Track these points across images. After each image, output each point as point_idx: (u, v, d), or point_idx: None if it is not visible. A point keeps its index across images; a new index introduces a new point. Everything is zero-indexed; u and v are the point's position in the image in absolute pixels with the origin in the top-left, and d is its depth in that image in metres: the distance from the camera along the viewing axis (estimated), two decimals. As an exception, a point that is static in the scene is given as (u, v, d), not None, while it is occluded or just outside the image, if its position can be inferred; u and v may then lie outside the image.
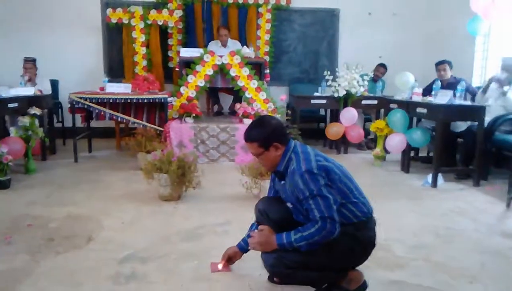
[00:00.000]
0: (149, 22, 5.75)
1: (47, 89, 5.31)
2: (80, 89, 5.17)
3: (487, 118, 4.10)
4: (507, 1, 5.07)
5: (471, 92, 4.61)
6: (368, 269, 2.15)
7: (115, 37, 6.14)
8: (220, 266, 2.17)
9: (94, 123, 5.42)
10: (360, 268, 2.04)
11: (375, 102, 5.55)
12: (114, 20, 5.75)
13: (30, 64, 5.24)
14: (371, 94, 5.71)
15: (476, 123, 4.01)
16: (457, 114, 4.01)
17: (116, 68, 6.19)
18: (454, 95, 4.07)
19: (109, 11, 5.73)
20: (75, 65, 6.15)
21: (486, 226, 2.96)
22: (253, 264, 2.17)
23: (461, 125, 4.41)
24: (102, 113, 4.95)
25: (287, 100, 6.06)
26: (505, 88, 4.23)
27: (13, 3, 5.99)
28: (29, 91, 4.73)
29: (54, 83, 5.71)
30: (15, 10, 6.02)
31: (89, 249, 2.44)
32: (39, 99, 4.71)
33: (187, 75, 5.14)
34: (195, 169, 3.37)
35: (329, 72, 5.47)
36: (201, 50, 5.21)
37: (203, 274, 2.15)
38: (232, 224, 2.87)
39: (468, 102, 4.18)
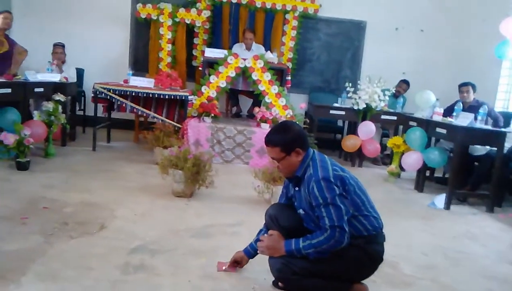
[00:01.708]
0: (177, 20, 5.86)
1: (73, 77, 5.44)
2: (104, 80, 5.28)
3: (508, 145, 4.06)
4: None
5: (493, 117, 4.55)
6: (374, 284, 2.15)
7: (142, 31, 6.26)
8: (225, 267, 2.20)
9: (114, 115, 5.51)
10: (366, 282, 2.05)
11: (395, 118, 5.51)
12: (143, 15, 5.88)
13: (60, 48, 5.39)
14: (391, 110, 5.67)
15: (495, 149, 3.96)
16: (477, 138, 3.96)
17: (140, 62, 6.30)
18: (475, 118, 4.03)
19: (139, 6, 5.86)
20: (101, 56, 6.29)
21: (496, 252, 2.92)
22: (259, 268, 2.19)
23: (479, 150, 4.35)
24: (123, 105, 5.05)
25: (306, 108, 6.09)
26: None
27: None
28: (55, 77, 4.86)
29: (80, 72, 5.85)
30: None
31: (101, 237, 2.50)
32: (64, 86, 4.83)
33: (209, 75, 5.20)
34: (209, 168, 3.41)
35: (350, 84, 5.46)
36: (225, 51, 5.27)
37: (210, 272, 2.18)
38: (242, 226, 2.89)
39: (489, 127, 4.13)
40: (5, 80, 3.83)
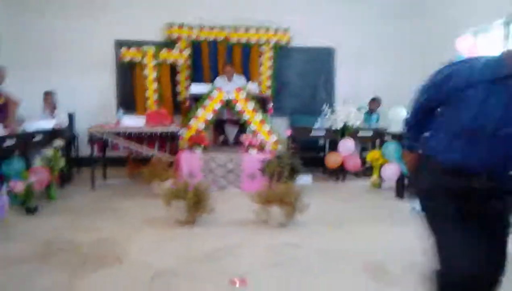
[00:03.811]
0: (160, 60, 6.22)
1: (65, 122, 5.70)
2: (94, 122, 5.58)
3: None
4: (487, 43, 5.62)
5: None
6: (365, 285, 2.48)
7: (127, 74, 6.58)
8: (237, 282, 2.50)
9: (108, 153, 5.76)
10: (356, 284, 2.37)
11: (371, 133, 5.96)
12: (127, 58, 6.22)
13: (50, 96, 5.66)
14: (367, 126, 6.12)
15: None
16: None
17: (128, 102, 6.56)
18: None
19: (123, 50, 6.20)
20: (90, 99, 6.59)
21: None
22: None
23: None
24: (116, 143, 5.32)
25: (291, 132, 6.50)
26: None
27: (33, 43, 6.46)
28: (50, 124, 5.12)
29: (71, 116, 6.10)
30: (36, 50, 6.48)
31: (121, 269, 2.76)
32: (60, 132, 5.09)
33: (196, 109, 5.55)
34: (208, 196, 3.72)
35: (327, 105, 5.90)
36: (209, 86, 5.65)
37: (226, 288, 2.47)
38: (245, 246, 3.19)
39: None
40: (9, 132, 4.07)
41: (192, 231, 3.54)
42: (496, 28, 5.58)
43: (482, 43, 5.71)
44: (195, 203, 3.62)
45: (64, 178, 5.27)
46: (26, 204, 3.96)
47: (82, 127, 6.20)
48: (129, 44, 6.41)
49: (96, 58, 6.60)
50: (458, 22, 5.95)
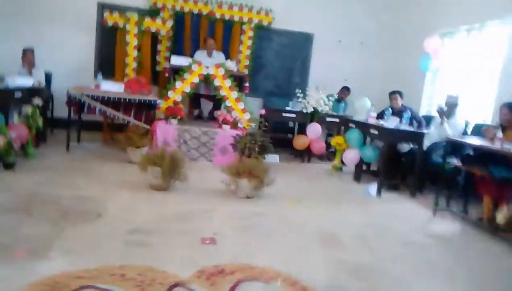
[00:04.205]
0: (142, 28, 6.30)
1: (42, 81, 5.73)
2: (71, 84, 5.65)
3: (428, 143, 4.99)
4: (453, 45, 6.07)
5: (417, 120, 5.48)
6: (317, 249, 2.87)
7: (108, 38, 6.60)
8: (208, 241, 2.83)
9: (83, 117, 5.87)
10: (310, 248, 2.75)
11: (337, 120, 6.36)
12: (110, 22, 6.26)
13: (30, 53, 5.65)
14: (335, 113, 6.51)
15: (417, 146, 4.87)
16: (402, 137, 4.87)
17: (106, 67, 6.56)
18: (401, 121, 4.92)
19: (106, 14, 6.23)
20: (68, 60, 6.59)
21: (413, 227, 3.77)
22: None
23: (405, 147, 5.26)
24: (93, 107, 5.44)
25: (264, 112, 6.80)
26: (445, 119, 5.12)
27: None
28: (28, 81, 5.17)
29: (48, 76, 6.11)
30: (15, 2, 6.38)
31: (100, 223, 3.02)
32: (39, 91, 5.16)
33: (175, 81, 5.73)
34: (183, 164, 3.99)
35: (300, 90, 6.22)
36: (189, 59, 5.83)
37: (196, 245, 2.79)
38: (214, 212, 3.51)
39: (412, 128, 5.03)
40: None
41: (166, 196, 3.82)
42: (461, 34, 6.04)
43: (447, 47, 6.16)
44: (170, 170, 3.89)
45: (39, 138, 5.36)
46: (5, 159, 4.09)
47: (58, 88, 6.25)
48: (112, 7, 6.43)
49: (78, 19, 6.59)
50: (429, 23, 6.36)
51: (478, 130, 4.81)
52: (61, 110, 6.08)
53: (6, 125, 4.28)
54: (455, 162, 4.20)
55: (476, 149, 4.03)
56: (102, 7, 6.53)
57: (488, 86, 5.39)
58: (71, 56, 6.62)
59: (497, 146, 3.73)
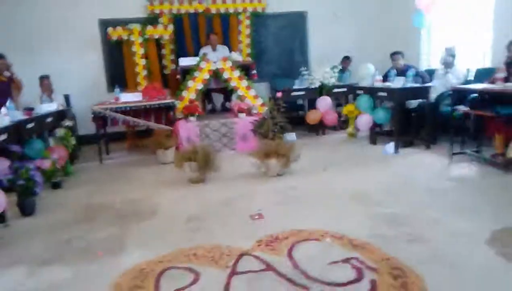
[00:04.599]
0: (146, 36, 6.58)
1: (64, 104, 6.08)
2: (87, 101, 6.05)
3: (434, 95, 5.27)
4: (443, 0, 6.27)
5: (420, 76, 5.74)
6: (353, 207, 3.21)
7: (113, 51, 6.92)
8: (257, 216, 3.18)
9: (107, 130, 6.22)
10: (346, 206, 3.10)
11: (345, 89, 6.65)
12: (114, 37, 6.55)
13: (47, 80, 6.00)
14: (341, 83, 6.79)
15: (425, 100, 5.16)
16: (409, 94, 5.16)
17: (117, 79, 6.87)
18: (407, 79, 5.20)
19: (109, 30, 6.52)
20: (81, 79, 6.92)
21: (433, 174, 4.10)
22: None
23: (413, 103, 5.54)
24: (115, 119, 5.78)
25: (269, 94, 7.11)
26: (447, 70, 5.40)
27: (18, 29, 6.67)
28: (53, 106, 5.52)
29: (66, 97, 6.46)
30: (21, 35, 6.70)
31: (158, 218, 3.39)
32: (65, 113, 5.52)
33: (186, 80, 6.03)
34: (215, 156, 4.34)
35: (304, 68, 6.50)
36: (197, 58, 6.13)
37: (247, 221, 3.15)
38: (253, 192, 3.87)
39: (417, 84, 5.31)
40: (28, 116, 4.49)
41: (205, 187, 4.18)
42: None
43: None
44: (204, 163, 4.24)
45: (72, 156, 5.72)
46: (52, 179, 4.46)
47: (76, 107, 6.61)
48: (113, 23, 6.71)
49: (82, 39, 6.89)
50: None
51: (480, 74, 5.10)
52: (83, 128, 6.47)
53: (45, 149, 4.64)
54: (463, 108, 4.49)
55: (481, 92, 4.30)
56: (103, 24, 6.82)
57: (483, 31, 5.62)
58: (83, 75, 6.95)
59: (498, 87, 4.01)
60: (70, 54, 6.88)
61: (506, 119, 4.03)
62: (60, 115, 5.41)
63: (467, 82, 5.24)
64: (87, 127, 6.20)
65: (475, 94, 4.40)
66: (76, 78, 6.88)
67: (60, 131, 5.00)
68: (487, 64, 5.49)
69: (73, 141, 5.16)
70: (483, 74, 5.02)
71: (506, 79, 4.24)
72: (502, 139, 4.25)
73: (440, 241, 2.64)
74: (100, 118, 5.77)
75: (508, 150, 4.02)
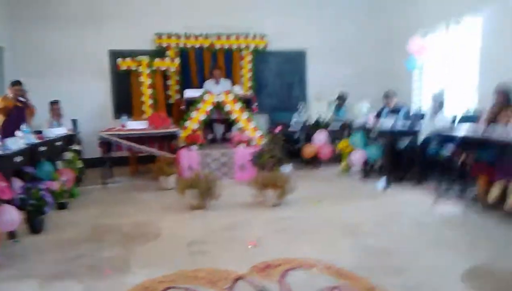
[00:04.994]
0: (153, 68, 6.97)
1: (71, 128, 6.38)
2: (93, 126, 6.37)
3: (423, 136, 5.61)
4: (435, 41, 6.72)
5: (411, 116, 6.09)
6: (344, 238, 3.47)
7: (121, 81, 7.28)
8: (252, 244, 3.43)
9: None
10: (338, 238, 3.35)
11: (340, 125, 7.00)
12: (123, 67, 6.93)
13: (57, 105, 6.33)
14: (336, 119, 7.15)
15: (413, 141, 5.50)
16: (400, 134, 5.49)
17: (123, 107, 7.20)
18: (397, 120, 5.55)
19: (119, 60, 6.91)
20: (88, 105, 7.26)
21: (422, 212, 4.37)
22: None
23: (404, 142, 5.86)
24: (120, 145, 6.05)
25: (268, 126, 7.45)
26: (435, 114, 5.75)
27: (33, 55, 7.05)
28: (63, 130, 5.81)
29: (74, 122, 6.76)
30: (36, 61, 7.08)
31: (162, 241, 3.62)
32: (73, 137, 5.80)
33: (189, 111, 6.35)
34: (216, 184, 4.60)
35: (303, 102, 6.87)
36: (201, 91, 6.48)
37: (245, 248, 3.39)
38: (251, 220, 4.12)
39: (407, 125, 5.64)
40: (40, 140, 4.77)
41: (206, 213, 4.43)
42: (440, 30, 6.68)
43: (430, 44, 6.81)
44: (206, 190, 4.50)
45: (77, 178, 5.96)
46: (59, 200, 4.69)
47: (83, 132, 6.90)
48: (122, 54, 7.11)
49: (92, 68, 7.28)
50: (410, 23, 7.02)
51: (467, 118, 5.45)
52: (88, 151, 6.73)
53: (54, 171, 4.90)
54: (447, 150, 4.81)
55: (463, 136, 4.63)
56: (113, 54, 7.21)
57: (470, 75, 6.01)
58: (91, 102, 7.30)
59: (478, 133, 4.35)
60: (80, 81, 7.23)
61: (487, 162, 4.34)
62: (68, 140, 5.70)
63: (454, 125, 5.58)
64: (92, 151, 6.48)
65: (460, 138, 4.73)
66: (84, 104, 7.21)
67: (68, 155, 5.26)
68: (473, 106, 5.83)
69: (80, 164, 5.42)
70: (468, 120, 5.37)
71: (488, 124, 4.58)
72: (484, 181, 4.54)
73: (421, 273, 2.89)
74: (106, 143, 6.07)
75: (490, 192, 4.31)
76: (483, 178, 4.51)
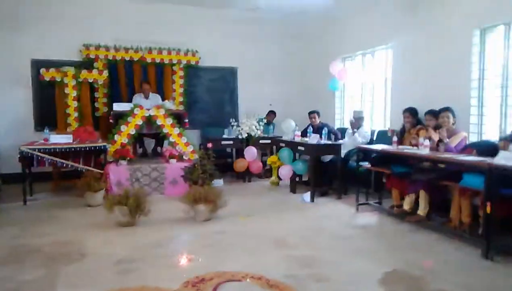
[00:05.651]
0: (80, 80, 6.73)
1: (-14, 141, 5.92)
2: (12, 139, 6.04)
3: (344, 151, 6.04)
4: (354, 67, 7.29)
5: (333, 133, 6.56)
6: (272, 250, 3.64)
7: (44, 92, 6.90)
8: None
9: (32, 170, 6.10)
10: (266, 250, 3.52)
11: (269, 141, 7.28)
12: (47, 78, 6.61)
13: None
14: (266, 135, 7.42)
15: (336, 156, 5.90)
16: (323, 150, 5.88)
17: (45, 119, 6.81)
18: (321, 136, 5.93)
19: (42, 70, 6.57)
20: (6, 117, 6.77)
21: (342, 223, 4.70)
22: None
23: (327, 157, 6.27)
24: (42, 160, 5.72)
25: (200, 141, 7.52)
26: (355, 130, 6.24)
27: None
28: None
29: (-11, 135, 6.28)
30: None
31: (88, 260, 3.51)
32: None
33: (118, 125, 6.21)
34: (146, 200, 4.56)
35: (233, 119, 7.05)
36: (130, 105, 6.38)
37: (175, 264, 3.41)
38: (181, 236, 4.15)
39: (331, 141, 6.06)
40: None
41: (135, 229, 4.36)
42: (358, 57, 7.29)
43: (349, 69, 7.38)
44: (135, 207, 4.44)
45: (-8, 195, 5.55)
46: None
47: (0, 145, 6.44)
48: (45, 63, 6.78)
49: (12, 77, 6.82)
50: (332, 50, 7.56)
51: (382, 136, 5.98)
52: (6, 167, 6.29)
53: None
54: (366, 164, 5.24)
55: (379, 152, 5.10)
56: (36, 64, 6.84)
57: (383, 98, 6.61)
58: (10, 114, 6.82)
59: (393, 148, 4.83)
60: (-2, 91, 6.75)
61: (399, 176, 4.81)
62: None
63: (371, 142, 6.10)
64: (10, 166, 6.06)
65: (376, 153, 5.19)
66: (2, 116, 6.73)
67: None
68: (387, 125, 6.40)
69: (-4, 181, 5.05)
70: (384, 136, 5.91)
71: (400, 143, 5.09)
72: (397, 193, 5.03)
73: (342, 280, 3.14)
74: (26, 158, 5.71)
75: (404, 202, 4.78)
76: (397, 190, 4.99)
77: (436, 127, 4.67)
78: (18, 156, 5.45)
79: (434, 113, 4.87)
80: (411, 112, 5.29)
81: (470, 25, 4.82)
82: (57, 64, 6.78)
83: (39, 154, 5.46)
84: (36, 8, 6.90)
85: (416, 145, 4.74)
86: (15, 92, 6.87)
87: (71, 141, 5.79)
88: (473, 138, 4.79)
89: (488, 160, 3.60)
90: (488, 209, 3.41)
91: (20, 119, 6.89)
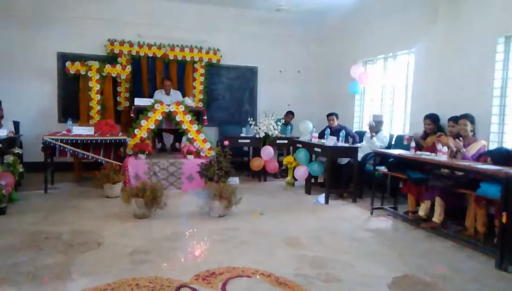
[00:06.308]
0: (104, 74, 6.89)
1: (13, 131, 6.13)
2: (37, 130, 6.19)
3: (361, 154, 6.01)
4: (375, 71, 7.24)
5: (351, 136, 6.53)
6: (283, 249, 3.67)
7: (68, 84, 7.12)
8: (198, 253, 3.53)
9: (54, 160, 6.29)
10: (277, 249, 3.55)
11: (286, 141, 7.30)
12: (72, 71, 6.80)
13: None
14: (283, 135, 7.45)
15: (353, 159, 5.88)
16: (340, 152, 5.86)
17: (69, 111, 7.02)
18: (339, 139, 5.92)
19: (68, 63, 6.76)
20: (32, 108, 7.02)
21: (357, 225, 4.69)
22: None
23: (344, 160, 6.25)
24: (64, 150, 5.90)
25: (218, 138, 7.59)
26: (373, 134, 6.20)
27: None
28: (2, 133, 5.58)
29: (16, 125, 6.50)
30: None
31: (103, 249, 3.61)
32: (15, 140, 5.59)
33: (140, 119, 6.35)
34: (162, 193, 4.65)
35: (251, 117, 7.10)
36: (151, 100, 6.50)
37: (188, 257, 3.48)
38: (195, 231, 4.21)
39: (348, 144, 6.04)
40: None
41: (150, 222, 4.46)
42: (379, 61, 7.24)
43: (370, 73, 7.33)
44: (152, 200, 4.53)
45: (17, 183, 5.72)
46: (-5, 205, 4.51)
47: (25, 134, 6.65)
48: (71, 57, 6.98)
49: (39, 69, 7.05)
50: (353, 53, 7.53)
51: (400, 140, 5.92)
52: (29, 155, 6.49)
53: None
54: (382, 169, 5.21)
55: (396, 157, 5.06)
56: (62, 57, 7.05)
57: (403, 103, 6.55)
58: (35, 105, 7.06)
59: (410, 154, 4.78)
60: (26, 83, 6.99)
61: (416, 182, 4.76)
62: (9, 142, 5.48)
63: (389, 146, 6.05)
64: (34, 155, 6.27)
65: (393, 158, 5.15)
66: (28, 107, 6.96)
67: (8, 158, 5.07)
68: (406, 130, 6.35)
69: (20, 169, 5.23)
70: (402, 140, 5.84)
71: (418, 149, 5.04)
72: (413, 199, 4.98)
73: (352, 282, 3.14)
74: (49, 148, 5.89)
75: (419, 208, 4.74)
76: (413, 195, 4.94)
77: (458, 136, 4.61)
78: (41, 145, 5.63)
79: (456, 120, 4.81)
80: (432, 118, 5.24)
81: (495, 33, 4.73)
82: (82, 58, 6.97)
83: (61, 144, 5.63)
84: (64, 3, 7.10)
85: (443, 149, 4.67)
86: (41, 84, 7.10)
87: (93, 133, 5.94)
88: (493, 147, 4.70)
89: (505, 169, 3.54)
90: (504, 219, 3.35)
91: (44, 110, 7.11)
